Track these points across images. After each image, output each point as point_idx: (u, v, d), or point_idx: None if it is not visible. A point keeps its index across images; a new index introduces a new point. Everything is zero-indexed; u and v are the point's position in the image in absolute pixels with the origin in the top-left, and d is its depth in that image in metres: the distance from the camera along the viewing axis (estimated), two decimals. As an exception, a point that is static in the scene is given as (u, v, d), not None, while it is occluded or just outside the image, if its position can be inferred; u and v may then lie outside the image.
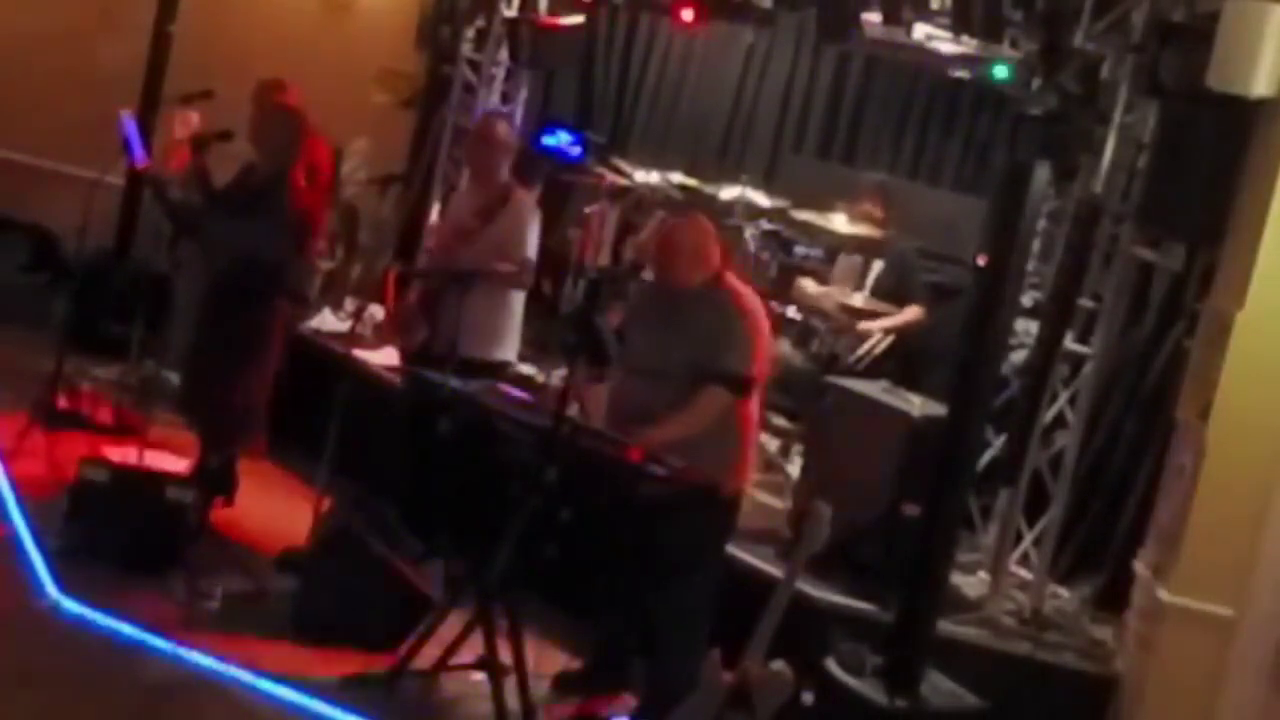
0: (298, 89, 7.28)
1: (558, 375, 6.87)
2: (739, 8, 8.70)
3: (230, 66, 8.33)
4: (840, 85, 9.63)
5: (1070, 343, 6.50)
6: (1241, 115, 5.67)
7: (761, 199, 8.25)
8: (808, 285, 7.87)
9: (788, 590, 5.04)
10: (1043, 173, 5.62)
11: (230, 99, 7.33)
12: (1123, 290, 6.59)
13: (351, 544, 5.99)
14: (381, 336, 8.14)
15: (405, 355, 7.18)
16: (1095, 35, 6.22)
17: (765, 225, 8.12)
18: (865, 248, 7.86)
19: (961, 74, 8.29)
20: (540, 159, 9.31)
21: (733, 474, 5.71)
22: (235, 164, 6.89)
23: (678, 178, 8.74)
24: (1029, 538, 6.52)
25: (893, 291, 7.67)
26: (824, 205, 8.00)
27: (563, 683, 5.88)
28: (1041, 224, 6.72)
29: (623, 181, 8.79)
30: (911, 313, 7.63)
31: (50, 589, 5.80)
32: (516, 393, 6.11)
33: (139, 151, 7.09)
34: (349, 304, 8.85)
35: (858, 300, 7.62)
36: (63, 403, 7.51)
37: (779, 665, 4.96)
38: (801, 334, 7.77)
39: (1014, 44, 6.90)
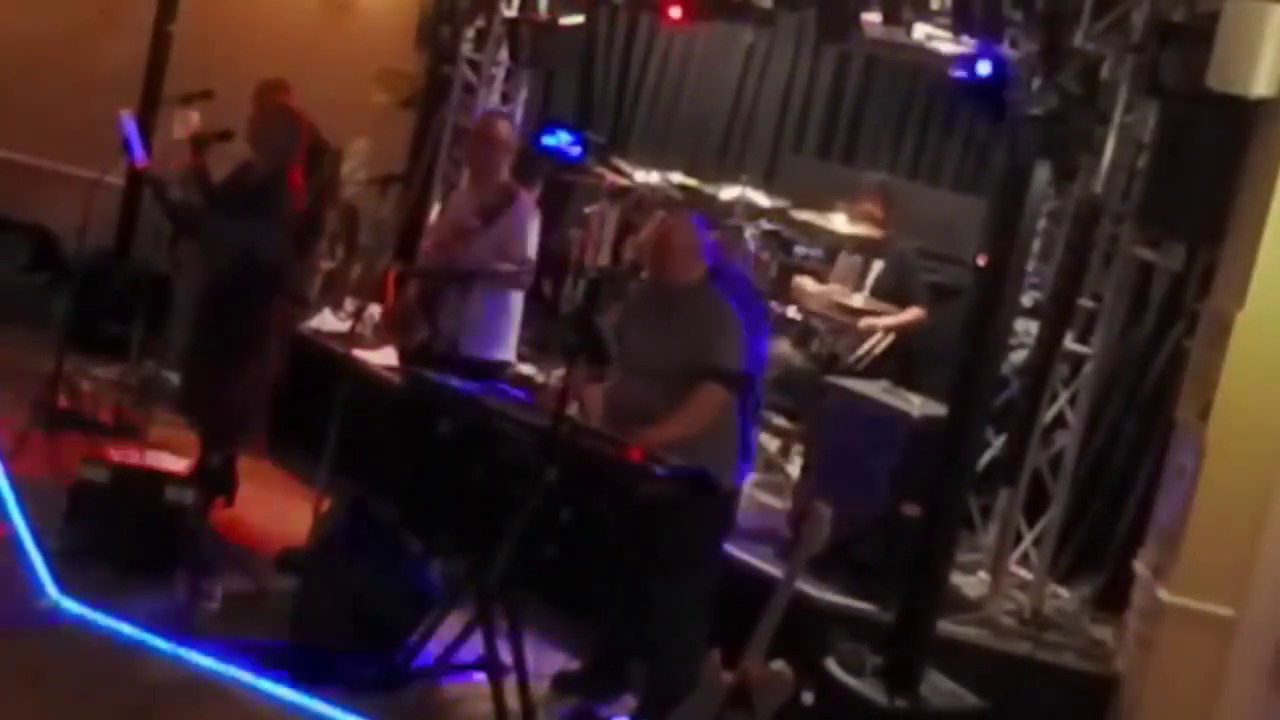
0: (298, 89, 7.29)
1: (558, 375, 6.87)
2: (739, 8, 8.70)
3: (230, 66, 8.34)
4: (840, 85, 9.62)
5: (1070, 343, 6.50)
6: (1241, 115, 5.67)
7: (761, 199, 8.24)
8: (808, 285, 7.87)
9: (788, 590, 5.04)
10: (1043, 173, 5.62)
11: (230, 99, 7.33)
12: (1123, 290, 6.59)
13: (351, 544, 5.99)
14: (381, 335, 8.15)
15: (404, 355, 7.19)
16: (1095, 35, 6.21)
17: (765, 225, 8.12)
18: (865, 248, 7.85)
19: (962, 74, 8.28)
20: (540, 159, 9.31)
21: (731, 470, 5.72)
22: (234, 164, 6.90)
23: (678, 178, 8.74)
24: (1029, 538, 6.52)
25: (893, 292, 7.67)
26: (824, 205, 8.00)
27: (563, 683, 5.88)
28: (1041, 224, 6.73)
29: (623, 181, 8.79)
30: (912, 313, 7.63)
31: (50, 589, 5.80)
32: (517, 393, 6.12)
33: (139, 151, 7.09)
34: (349, 304, 8.85)
35: (858, 300, 7.62)
36: (63, 403, 7.50)
37: (779, 665, 4.96)
38: (801, 334, 7.77)
39: (1014, 44, 6.89)
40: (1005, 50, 6.46)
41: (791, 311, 7.75)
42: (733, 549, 6.13)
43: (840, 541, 5.31)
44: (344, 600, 5.89)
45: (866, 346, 7.57)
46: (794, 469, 7.49)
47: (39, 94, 9.36)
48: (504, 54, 9.28)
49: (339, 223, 9.04)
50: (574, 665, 5.97)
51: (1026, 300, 6.85)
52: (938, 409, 6.23)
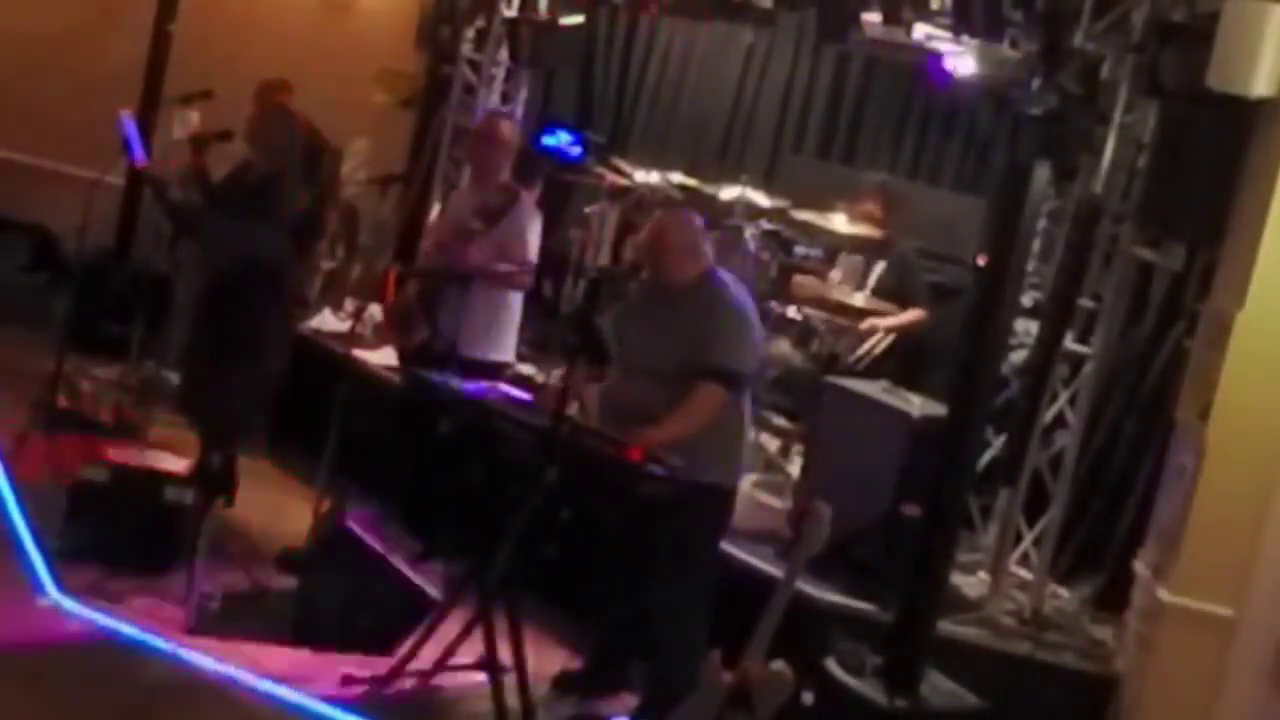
0: (298, 89, 7.29)
1: (557, 375, 6.87)
2: (739, 8, 8.70)
3: (230, 66, 8.34)
4: (840, 85, 9.62)
5: (1070, 343, 6.50)
6: (1241, 115, 5.66)
7: (761, 199, 8.24)
8: (808, 285, 7.86)
9: (788, 590, 5.04)
10: (1043, 173, 5.61)
11: (230, 99, 7.33)
12: (1123, 290, 6.58)
13: (351, 544, 5.99)
14: (381, 335, 8.15)
15: (403, 355, 7.18)
16: (1095, 35, 6.21)
17: (765, 225, 8.11)
18: (866, 248, 7.85)
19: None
20: (540, 159, 9.31)
21: (731, 469, 5.72)
22: (233, 164, 6.90)
23: (678, 178, 8.74)
24: (1029, 538, 6.52)
25: (894, 292, 7.66)
26: (824, 205, 7.99)
27: (563, 683, 5.88)
28: (1041, 224, 6.72)
29: (623, 181, 8.79)
30: (913, 314, 7.63)
31: (50, 589, 5.80)
32: (517, 393, 6.11)
33: (139, 151, 7.09)
34: (349, 304, 8.85)
35: (858, 300, 7.62)
36: (63, 403, 7.51)
37: (779, 665, 4.96)
38: (801, 334, 7.76)
39: (1014, 44, 6.90)
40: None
41: (791, 311, 7.75)
42: (733, 549, 6.13)
43: (840, 541, 5.30)
44: (344, 600, 5.90)
45: (866, 346, 7.57)
46: (794, 469, 7.49)
47: (39, 94, 9.36)
48: (504, 54, 9.28)
49: (339, 223, 9.04)
50: (574, 665, 5.97)
51: (1026, 300, 6.85)
52: (938, 409, 6.23)
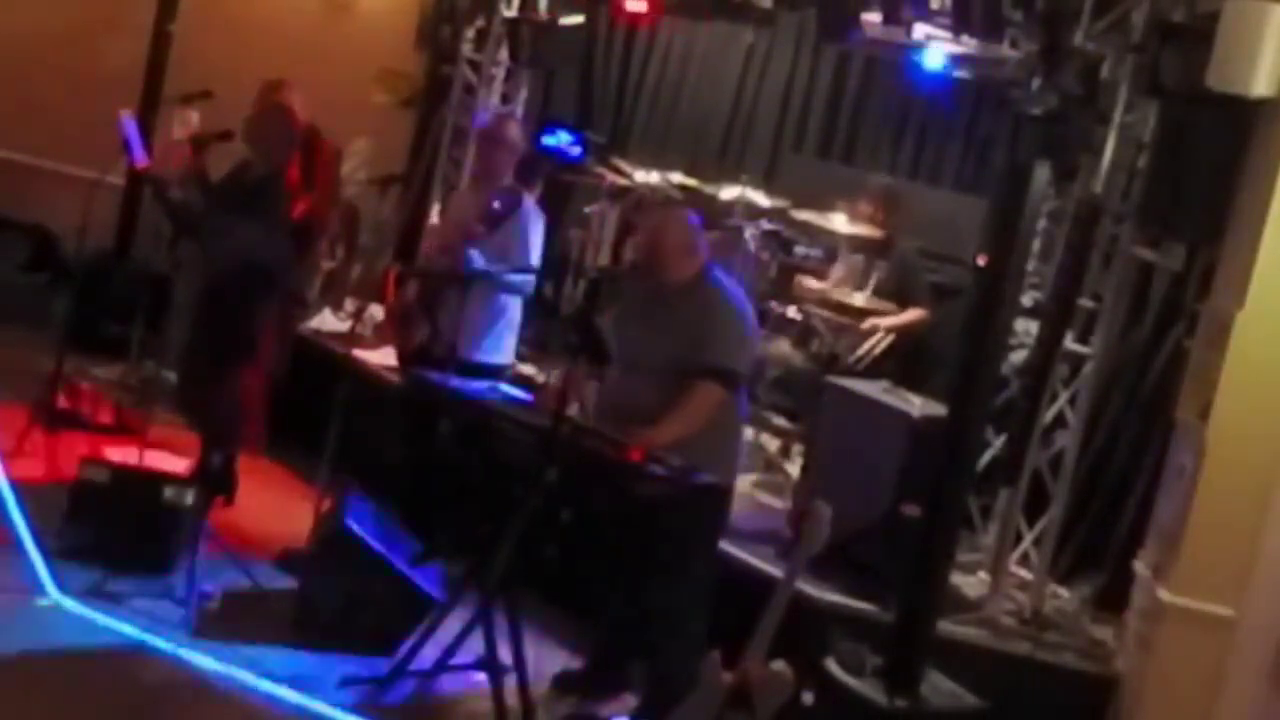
0: (298, 89, 7.28)
1: (557, 375, 6.87)
2: (739, 8, 8.71)
3: (230, 66, 8.33)
4: (840, 85, 9.62)
5: (1070, 343, 6.50)
6: (1241, 115, 5.66)
7: (761, 199, 8.23)
8: (808, 284, 7.87)
9: (788, 590, 5.04)
10: (1043, 173, 5.61)
11: (230, 99, 7.33)
12: (1123, 290, 6.58)
13: (351, 544, 5.99)
14: (381, 335, 8.15)
15: (403, 356, 7.18)
16: (1095, 35, 6.21)
17: (765, 225, 8.11)
18: (866, 248, 7.85)
19: (962, 74, 8.28)
20: (540, 159, 9.31)
21: (729, 468, 5.72)
22: (232, 163, 6.90)
23: (678, 178, 8.74)
24: (1029, 538, 6.52)
25: (894, 292, 7.66)
26: (824, 205, 7.99)
27: (563, 683, 5.88)
28: (1041, 224, 6.72)
29: (623, 181, 8.79)
30: (914, 314, 7.63)
31: (50, 589, 5.80)
32: (517, 393, 6.12)
33: (139, 151, 7.09)
34: (349, 304, 8.85)
35: (859, 300, 7.62)
36: (63, 403, 7.51)
37: (779, 665, 4.96)
38: (801, 334, 7.76)
39: (1014, 44, 6.90)
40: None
41: (791, 311, 7.75)
42: (733, 549, 6.13)
43: (840, 541, 5.30)
44: (344, 600, 5.90)
45: (867, 346, 7.56)
46: (794, 469, 7.49)
47: (39, 94, 9.37)
48: (504, 54, 9.28)
49: (339, 223, 9.04)
50: (574, 665, 5.97)
51: (1026, 300, 6.85)
52: (938, 409, 6.23)
